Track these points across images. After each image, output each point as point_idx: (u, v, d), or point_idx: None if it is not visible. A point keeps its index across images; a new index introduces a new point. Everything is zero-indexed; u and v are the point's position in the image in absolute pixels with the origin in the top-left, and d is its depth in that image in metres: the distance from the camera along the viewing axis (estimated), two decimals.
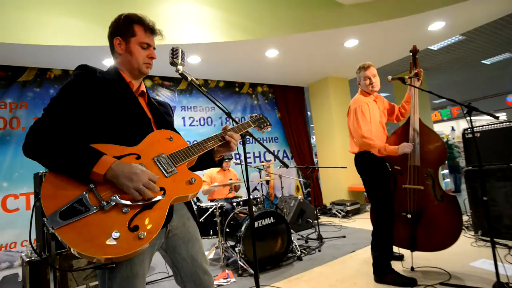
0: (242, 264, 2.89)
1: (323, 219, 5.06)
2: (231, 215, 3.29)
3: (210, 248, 3.64)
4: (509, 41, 5.87)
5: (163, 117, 1.33)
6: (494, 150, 3.10)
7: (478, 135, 3.22)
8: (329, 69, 5.56)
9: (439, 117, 12.14)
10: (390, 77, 2.53)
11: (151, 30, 1.26)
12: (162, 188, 1.02)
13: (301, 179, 6.09)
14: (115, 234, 0.87)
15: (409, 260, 2.62)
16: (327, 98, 6.00)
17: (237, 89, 5.72)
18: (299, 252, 3.22)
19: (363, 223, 4.42)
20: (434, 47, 5.80)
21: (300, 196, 4.52)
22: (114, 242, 0.86)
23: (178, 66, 1.38)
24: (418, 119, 2.48)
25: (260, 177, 3.86)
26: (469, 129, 3.30)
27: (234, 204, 3.55)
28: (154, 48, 1.29)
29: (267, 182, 3.83)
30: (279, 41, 4.06)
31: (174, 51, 1.37)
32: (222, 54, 4.21)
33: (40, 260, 2.23)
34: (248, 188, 1.48)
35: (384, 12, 3.78)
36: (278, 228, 3.08)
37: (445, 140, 10.43)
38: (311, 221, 4.40)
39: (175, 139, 1.23)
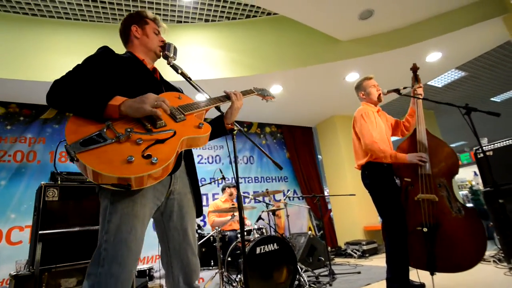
0: None
1: (338, 260, 4.63)
2: (233, 244, 3.10)
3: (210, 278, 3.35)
4: None
5: (174, 89, 1.46)
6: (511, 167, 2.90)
7: (491, 153, 3.05)
8: (334, 107, 5.68)
9: (459, 162, 11.67)
10: (385, 90, 2.57)
11: (157, 22, 1.49)
12: (172, 130, 1.10)
13: (314, 221, 5.78)
14: (130, 158, 0.94)
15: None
16: (335, 137, 6.01)
17: (245, 129, 5.87)
18: (307, 286, 2.90)
19: (382, 261, 4.00)
20: (438, 84, 5.90)
21: (310, 232, 4.24)
22: (129, 164, 0.94)
23: (169, 59, 1.51)
24: (424, 129, 2.41)
25: (267, 208, 3.70)
26: (479, 148, 3.15)
27: (239, 236, 3.37)
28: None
29: (274, 213, 3.64)
30: (282, 76, 4.28)
31: (166, 46, 1.51)
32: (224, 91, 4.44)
33: (27, 276, 2.12)
34: (239, 193, 1.46)
35: (380, 45, 3.99)
36: (283, 257, 2.84)
37: (468, 186, 9.86)
38: (323, 259, 4.03)
39: (183, 97, 1.34)
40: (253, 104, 4.97)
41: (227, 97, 1.46)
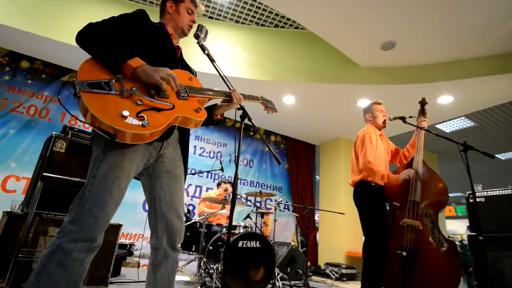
0: (217, 283, 2.67)
1: (315, 278, 4.64)
2: (217, 235, 3.17)
3: (188, 262, 3.40)
4: None
5: (189, 69, 1.55)
6: (501, 217, 2.97)
7: (483, 199, 3.13)
8: (341, 130, 5.81)
9: (454, 212, 11.65)
10: (392, 116, 2.68)
11: (194, 2, 1.58)
12: (172, 104, 1.17)
13: (300, 236, 5.80)
14: (125, 113, 1.01)
15: None
16: (337, 159, 6.11)
17: (251, 133, 6.00)
18: None
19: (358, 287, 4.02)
20: (446, 129, 6.01)
21: (293, 243, 4.28)
22: (122, 118, 1.00)
23: (200, 39, 1.65)
24: (421, 159, 2.51)
25: (257, 209, 3.78)
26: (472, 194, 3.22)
27: (224, 229, 3.43)
28: (196, 16, 1.60)
29: (262, 216, 3.71)
30: (297, 88, 4.43)
31: (199, 26, 1.65)
32: (241, 91, 4.60)
33: (20, 215, 2.22)
34: (234, 189, 1.51)
35: (396, 77, 4.14)
36: (263, 256, 2.90)
37: (459, 239, 9.80)
38: (300, 272, 4.06)
39: (194, 80, 1.43)
40: (262, 111, 5.11)
41: (228, 96, 1.53)
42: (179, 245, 1.33)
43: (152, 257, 1.27)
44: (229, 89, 1.60)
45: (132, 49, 1.23)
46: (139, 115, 1.05)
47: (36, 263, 2.18)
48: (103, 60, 1.11)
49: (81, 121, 1.05)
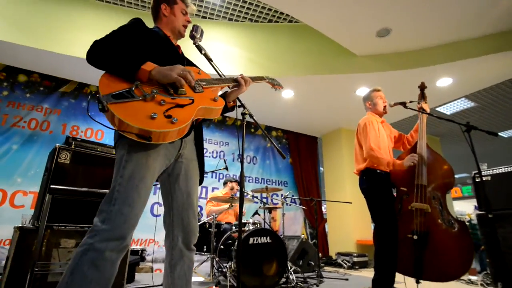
0: (231, 281, 2.69)
1: (328, 269, 4.67)
2: (227, 233, 3.19)
3: (201, 262, 3.43)
4: None
5: (194, 65, 1.59)
6: (508, 194, 2.97)
7: (489, 178, 3.13)
8: (341, 120, 5.80)
9: (460, 193, 11.63)
10: (392, 103, 2.68)
11: (186, 3, 1.61)
12: (191, 98, 1.23)
13: (308, 229, 5.83)
14: (154, 114, 1.08)
15: None
16: (339, 149, 6.11)
17: (252, 130, 6.00)
18: (295, 283, 2.96)
19: (371, 274, 4.04)
20: (447, 112, 6.00)
21: (303, 235, 4.30)
22: (152, 120, 1.07)
23: (196, 40, 1.66)
24: (425, 143, 2.51)
25: (264, 205, 3.79)
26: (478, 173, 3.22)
27: (234, 227, 3.45)
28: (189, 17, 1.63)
29: (270, 211, 3.72)
30: (295, 81, 4.42)
31: (194, 27, 1.66)
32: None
33: (32, 229, 2.23)
34: (241, 186, 1.55)
35: (393, 63, 4.13)
36: (274, 250, 2.91)
37: (467, 219, 9.82)
38: (312, 263, 4.08)
39: (202, 73, 1.47)
40: (262, 103, 5.12)
41: (237, 81, 1.56)
42: (193, 245, 1.36)
43: (169, 257, 1.30)
44: (228, 87, 1.62)
45: (140, 55, 1.25)
46: (166, 114, 1.11)
47: (52, 275, 2.21)
48: (118, 72, 1.15)
49: (111, 128, 1.11)
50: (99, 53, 1.17)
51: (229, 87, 1.59)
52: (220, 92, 1.57)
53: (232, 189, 4.04)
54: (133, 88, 1.12)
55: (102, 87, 1.09)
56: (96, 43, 1.19)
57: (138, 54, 1.25)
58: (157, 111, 1.10)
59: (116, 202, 1.08)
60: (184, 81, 1.21)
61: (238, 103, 1.61)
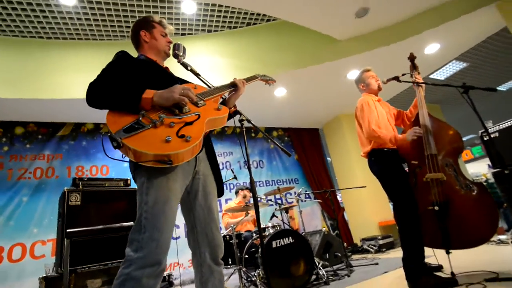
0: None
1: (355, 257, 4.62)
2: (249, 242, 3.17)
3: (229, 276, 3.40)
4: None
5: (187, 82, 1.61)
6: None
7: (497, 134, 3.09)
8: (339, 107, 5.78)
9: (471, 155, 11.52)
10: (385, 79, 2.66)
11: (163, 25, 1.64)
12: (197, 113, 1.26)
13: (328, 221, 5.79)
14: (168, 138, 1.10)
15: (448, 269, 2.31)
16: (343, 136, 6.08)
17: (253, 135, 6.00)
18: (326, 277, 2.93)
19: (400, 254, 3.99)
20: (441, 77, 5.96)
21: (324, 229, 4.27)
22: (168, 143, 1.10)
23: (179, 58, 1.66)
24: (427, 112, 2.49)
25: (279, 206, 3.77)
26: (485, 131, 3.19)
27: (254, 234, 3.43)
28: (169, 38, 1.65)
29: (287, 211, 3.70)
30: (285, 78, 4.42)
31: (176, 45, 1.66)
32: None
33: (56, 277, 2.23)
34: (252, 185, 1.54)
35: (378, 40, 4.12)
36: (299, 249, 2.89)
37: (484, 180, 9.71)
38: (339, 254, 4.04)
39: (198, 87, 1.49)
40: (257, 106, 5.13)
41: (233, 85, 1.59)
42: (220, 259, 1.36)
43: (199, 275, 1.30)
44: (222, 98, 1.63)
45: (137, 86, 1.27)
46: (179, 134, 1.14)
47: None
48: (122, 107, 1.17)
49: (125, 161, 1.14)
50: (98, 95, 1.19)
51: (225, 95, 1.60)
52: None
53: (244, 197, 4.02)
54: (140, 118, 1.15)
55: (111, 125, 1.11)
56: (92, 86, 1.21)
57: (135, 85, 1.26)
58: (169, 134, 1.13)
59: (145, 229, 1.09)
60: (186, 99, 1.23)
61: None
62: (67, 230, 2.12)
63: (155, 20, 1.61)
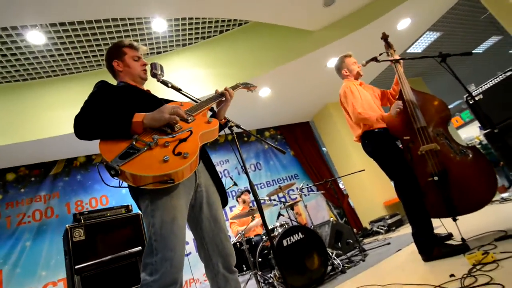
0: (281, 287, 2.67)
1: (367, 240, 4.65)
2: (260, 245, 3.16)
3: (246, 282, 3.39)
4: (487, 24, 6.06)
5: (171, 101, 1.59)
6: (505, 104, 2.98)
7: (481, 96, 3.15)
8: (325, 97, 5.83)
9: (461, 121, 11.69)
10: (364, 62, 2.70)
11: (134, 47, 1.62)
12: (189, 129, 1.27)
13: (334, 210, 5.81)
14: (166, 158, 1.10)
15: (458, 236, 2.33)
16: (334, 125, 6.12)
17: (245, 139, 6.01)
18: (342, 266, 2.94)
19: (410, 230, 4.03)
20: (418, 50, 6.06)
21: (332, 218, 4.28)
22: (166, 162, 1.09)
23: (158, 76, 1.66)
24: (409, 88, 2.52)
25: (284, 205, 3.77)
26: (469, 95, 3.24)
27: (264, 237, 3.43)
28: (143, 59, 1.65)
29: (292, 208, 3.71)
30: (267, 78, 4.45)
31: (152, 65, 1.66)
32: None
33: None
34: (255, 195, 1.54)
35: (350, 25, 4.17)
36: (310, 243, 2.90)
37: (477, 142, 9.86)
38: (351, 241, 4.06)
39: (185, 104, 1.50)
40: (244, 111, 5.14)
41: (221, 95, 1.58)
42: (234, 266, 1.37)
43: (215, 286, 1.30)
44: (211, 111, 1.63)
45: (125, 111, 1.26)
46: (175, 152, 1.14)
47: None
48: (113, 135, 1.16)
49: (124, 187, 1.14)
50: (86, 126, 1.19)
51: (213, 107, 1.60)
52: (209, 114, 1.58)
53: (244, 201, 4.02)
54: (134, 143, 1.14)
55: (105, 153, 1.10)
56: (78, 118, 1.20)
57: (122, 111, 1.26)
58: (166, 153, 1.13)
59: (157, 251, 1.09)
60: (177, 118, 1.24)
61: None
62: (76, 267, 2.09)
63: (125, 44, 1.60)
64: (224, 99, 1.59)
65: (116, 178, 1.07)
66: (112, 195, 4.51)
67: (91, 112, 1.22)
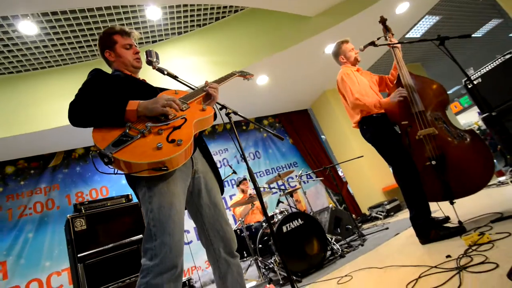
0: (281, 273, 2.71)
1: (366, 226, 4.71)
2: (260, 231, 3.21)
3: (246, 268, 3.46)
4: (487, 7, 5.97)
5: (166, 89, 1.57)
6: (503, 87, 2.97)
7: (480, 80, 3.13)
8: (323, 83, 5.79)
9: (460, 106, 11.68)
10: (362, 46, 2.67)
11: (126, 33, 1.59)
12: (183, 117, 1.26)
13: (334, 197, 5.86)
14: (159, 145, 1.10)
15: (455, 219, 2.37)
16: (332, 112, 6.10)
17: (244, 127, 6.00)
18: (341, 251, 2.99)
19: (407, 214, 4.08)
20: (417, 35, 5.99)
21: (331, 205, 4.33)
22: (160, 150, 1.09)
23: (153, 64, 1.64)
24: (407, 72, 2.51)
25: (283, 192, 3.80)
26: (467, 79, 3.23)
27: (264, 224, 3.47)
28: (136, 46, 1.62)
29: (291, 195, 3.74)
30: (264, 65, 4.40)
31: (147, 52, 1.64)
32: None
33: None
34: (254, 183, 1.53)
35: (348, 10, 4.11)
36: (310, 229, 2.93)
37: (476, 128, 9.87)
38: (350, 227, 4.12)
39: (179, 92, 1.49)
40: (241, 99, 5.12)
41: (205, 90, 1.52)
42: (235, 251, 1.38)
43: (217, 271, 1.32)
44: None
45: (119, 99, 1.25)
46: (169, 139, 1.14)
47: None
48: (107, 123, 1.16)
49: (120, 174, 1.12)
50: (80, 113, 1.19)
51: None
52: None
53: (243, 191, 4.04)
54: (127, 130, 1.14)
55: (98, 142, 1.10)
56: (73, 105, 1.20)
57: (116, 99, 1.25)
58: (160, 140, 1.13)
59: (156, 236, 1.10)
60: (171, 111, 1.24)
61: (219, 106, 1.60)
62: (78, 255, 2.13)
63: (116, 30, 1.56)
64: (210, 95, 1.52)
65: (110, 166, 1.07)
66: (112, 185, 4.53)
67: (85, 99, 1.22)
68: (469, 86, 3.28)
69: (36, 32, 3.49)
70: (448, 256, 1.59)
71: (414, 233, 2.26)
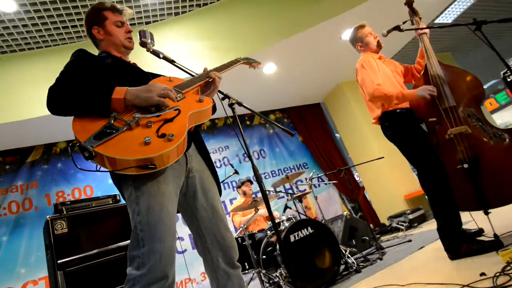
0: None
1: (385, 238, 4.68)
2: (264, 241, 3.20)
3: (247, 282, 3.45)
4: None
5: (159, 75, 1.56)
6: None
7: None
8: (338, 74, 5.76)
9: (495, 104, 11.55)
10: (385, 31, 2.64)
11: (117, 10, 1.58)
12: (177, 108, 1.23)
13: (348, 204, 5.84)
14: (147, 139, 1.07)
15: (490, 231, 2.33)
16: (348, 107, 6.07)
17: (248, 122, 5.99)
18: (356, 265, 2.97)
19: (434, 226, 4.04)
20: (448, 19, 5.92)
21: (345, 213, 4.31)
22: (147, 145, 1.06)
23: (148, 46, 1.63)
24: (436, 61, 2.47)
25: (291, 196, 3.79)
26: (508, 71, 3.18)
27: (268, 232, 3.46)
28: (128, 25, 1.61)
29: (300, 200, 3.72)
30: (272, 52, 4.38)
31: (141, 32, 1.63)
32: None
33: None
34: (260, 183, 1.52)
35: None
36: (321, 239, 2.92)
37: None
38: (367, 238, 4.09)
39: (174, 79, 1.47)
40: (247, 90, 5.10)
41: (208, 76, 1.54)
42: (237, 261, 1.36)
43: (215, 283, 1.30)
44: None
45: (104, 85, 1.23)
46: (159, 133, 1.11)
47: None
48: (89, 111, 1.13)
49: (101, 171, 1.09)
50: (60, 99, 1.17)
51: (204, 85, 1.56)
52: None
53: (244, 193, 4.03)
54: (112, 121, 1.11)
55: (79, 133, 1.07)
56: (52, 90, 1.18)
57: (101, 85, 1.24)
58: (148, 134, 1.10)
59: (143, 242, 1.08)
60: (167, 102, 1.21)
61: (221, 96, 1.59)
62: (58, 262, 2.13)
63: (106, 6, 1.55)
64: (211, 80, 1.52)
65: (91, 161, 1.04)
66: (97, 185, 4.54)
67: (66, 84, 1.20)
68: (509, 79, 3.25)
69: (14, 9, 3.51)
70: (482, 274, 1.57)
71: (442, 246, 2.22)
